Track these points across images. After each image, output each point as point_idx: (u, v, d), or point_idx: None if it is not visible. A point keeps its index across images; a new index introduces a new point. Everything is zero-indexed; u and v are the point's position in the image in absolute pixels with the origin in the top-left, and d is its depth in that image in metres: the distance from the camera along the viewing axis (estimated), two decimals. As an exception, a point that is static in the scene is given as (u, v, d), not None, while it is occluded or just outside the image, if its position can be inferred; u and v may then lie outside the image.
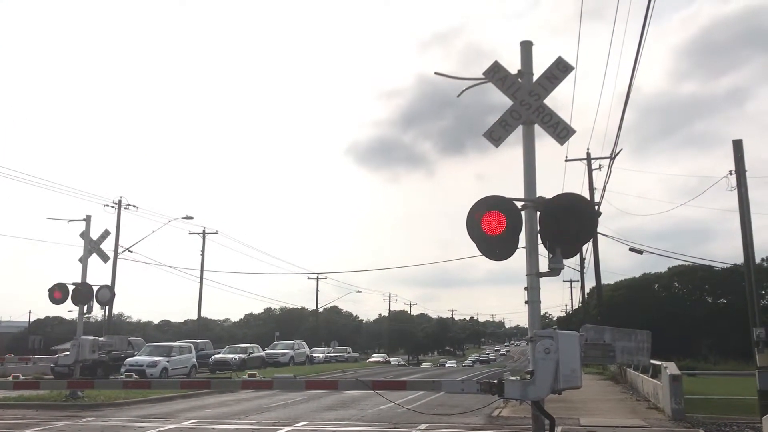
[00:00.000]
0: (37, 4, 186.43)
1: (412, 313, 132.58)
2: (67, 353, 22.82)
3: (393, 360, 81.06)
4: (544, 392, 6.99)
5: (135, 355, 34.53)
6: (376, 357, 78.11)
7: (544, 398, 7.08)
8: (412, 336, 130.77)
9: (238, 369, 40.36)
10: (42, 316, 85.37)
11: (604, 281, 41.75)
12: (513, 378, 7.48)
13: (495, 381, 7.23)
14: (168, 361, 33.88)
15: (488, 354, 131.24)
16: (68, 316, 72.54)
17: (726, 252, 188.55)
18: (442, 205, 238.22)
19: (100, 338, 31.22)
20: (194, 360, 37.21)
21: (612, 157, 31.15)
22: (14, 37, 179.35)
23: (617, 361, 7.19)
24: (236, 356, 42.75)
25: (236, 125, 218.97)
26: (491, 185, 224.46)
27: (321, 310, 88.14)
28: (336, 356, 60.85)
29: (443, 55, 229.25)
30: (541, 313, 7.77)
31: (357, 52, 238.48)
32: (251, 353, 44.79)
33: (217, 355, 43.49)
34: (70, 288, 21.04)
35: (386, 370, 47.74)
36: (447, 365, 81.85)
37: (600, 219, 34.02)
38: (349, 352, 67.37)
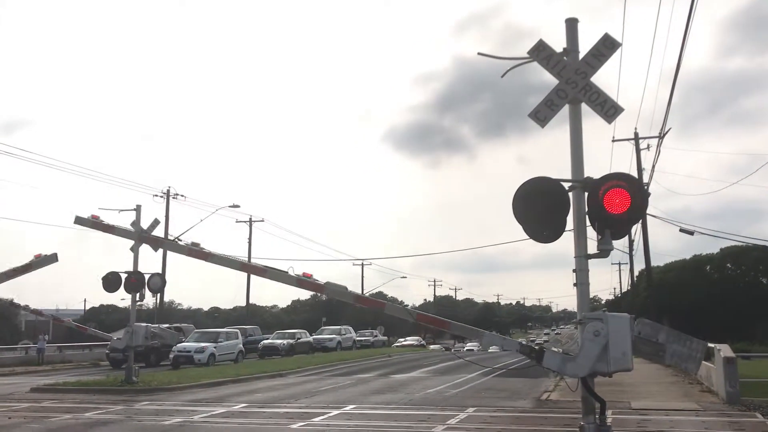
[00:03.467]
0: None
1: (457, 298, 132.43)
2: (119, 338, 23.44)
3: (434, 346, 78.15)
4: (582, 371, 6.93)
5: (183, 341, 35.06)
6: (410, 340, 70.98)
7: (582, 377, 7.01)
8: (458, 320, 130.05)
9: (287, 354, 40.95)
10: (96, 305, 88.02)
11: (653, 263, 41.01)
12: (555, 349, 7.39)
13: (536, 347, 7.19)
14: (215, 347, 34.34)
15: (533, 339, 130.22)
16: (121, 304, 74.62)
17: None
18: (485, 189, 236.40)
19: (152, 326, 32.05)
20: (241, 346, 37.72)
21: (661, 136, 30.45)
22: (64, 31, 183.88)
23: (666, 362, 7.06)
24: (284, 341, 43.26)
25: (278, 115, 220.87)
26: (533, 168, 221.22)
27: (366, 296, 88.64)
28: (361, 340, 55.72)
29: (480, 37, 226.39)
30: (590, 296, 7.66)
31: (391, 37, 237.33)
32: (299, 338, 45.15)
33: (266, 341, 44.04)
34: (123, 276, 21.57)
35: (431, 355, 47.80)
36: (491, 349, 79.70)
37: (649, 199, 33.30)
38: (376, 336, 61.81)
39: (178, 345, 33.49)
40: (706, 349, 7.16)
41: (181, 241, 11.09)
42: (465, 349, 75.66)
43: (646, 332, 7.11)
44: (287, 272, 8.16)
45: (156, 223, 23.76)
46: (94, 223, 9.72)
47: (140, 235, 22.67)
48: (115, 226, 9.61)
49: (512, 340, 7.43)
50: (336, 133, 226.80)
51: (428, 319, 7.90)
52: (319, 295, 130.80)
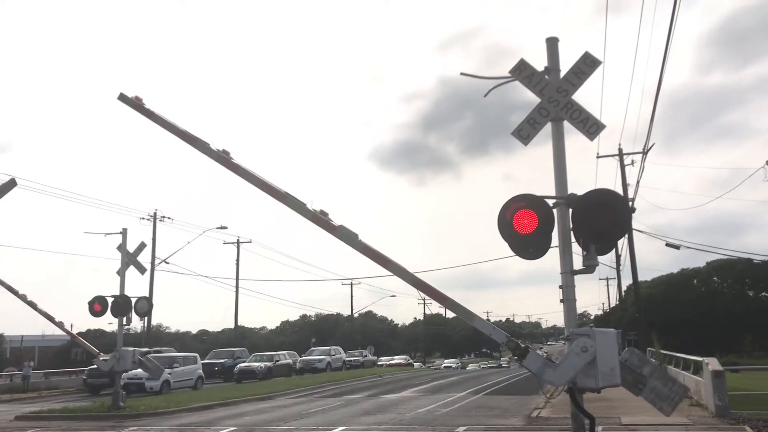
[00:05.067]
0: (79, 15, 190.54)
1: (447, 316, 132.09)
2: (105, 359, 22.67)
3: (417, 364, 78.07)
4: (560, 381, 6.93)
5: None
6: (398, 359, 71.20)
7: (557, 387, 7.02)
8: (449, 339, 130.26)
9: (264, 378, 39.37)
10: (83, 329, 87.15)
11: (640, 278, 41.24)
12: (540, 352, 7.37)
13: (522, 345, 7.15)
14: (170, 373, 31.43)
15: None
16: (109, 329, 73.92)
17: (765, 244, 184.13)
18: (471, 207, 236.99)
19: (141, 350, 30.72)
20: (200, 371, 35.83)
21: (645, 152, 30.76)
22: (41, 51, 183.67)
23: (641, 396, 7.07)
24: (262, 364, 41.69)
25: (264, 134, 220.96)
26: (519, 185, 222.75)
27: (356, 315, 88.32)
28: (351, 361, 54.91)
29: (464, 55, 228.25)
30: (579, 312, 7.68)
31: (376, 56, 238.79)
32: (277, 361, 43.69)
33: (242, 364, 42.17)
34: (110, 300, 21.41)
35: (421, 374, 47.61)
36: (469, 367, 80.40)
37: (634, 215, 33.55)
38: (365, 356, 60.67)
39: (128, 372, 29.62)
40: (686, 394, 7.15)
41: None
42: (443, 366, 75.96)
43: (632, 362, 7.08)
44: (305, 205, 8.12)
45: (143, 246, 23.72)
46: (136, 104, 9.42)
47: (128, 259, 22.65)
48: (155, 113, 9.32)
49: (500, 331, 7.42)
50: (323, 153, 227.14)
51: (427, 288, 7.83)
52: (308, 315, 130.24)
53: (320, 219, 8.09)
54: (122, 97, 9.41)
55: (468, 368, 77.83)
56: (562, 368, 6.89)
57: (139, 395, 28.87)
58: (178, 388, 31.76)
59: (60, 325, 21.38)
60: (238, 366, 41.66)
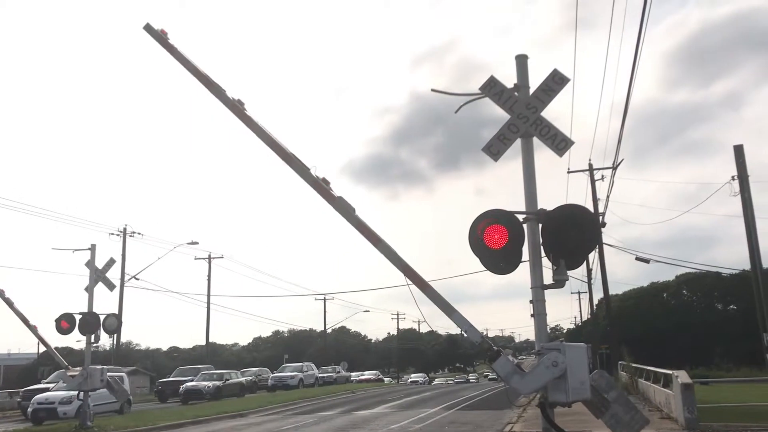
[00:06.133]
0: (44, 30, 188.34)
1: (420, 331, 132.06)
2: (72, 374, 21.53)
3: (387, 379, 77.91)
4: (525, 389, 6.96)
5: (49, 390, 29.12)
6: (367, 374, 70.28)
7: (520, 396, 7.01)
8: (422, 354, 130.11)
9: (213, 398, 36.58)
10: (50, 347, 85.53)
11: (611, 291, 41.65)
12: (512, 358, 7.35)
13: (495, 348, 7.12)
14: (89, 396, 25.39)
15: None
16: (77, 346, 72.50)
17: (733, 257, 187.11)
18: (444, 221, 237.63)
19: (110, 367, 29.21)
20: (128, 392, 30.47)
21: (614, 167, 31.21)
22: (14, 68, 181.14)
23: (601, 418, 7.14)
24: (210, 384, 38.22)
25: (235, 148, 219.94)
26: (490, 200, 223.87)
27: (329, 331, 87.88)
28: (324, 377, 53.99)
29: (436, 71, 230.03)
30: (551, 326, 7.75)
31: (348, 70, 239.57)
32: (228, 380, 40.54)
33: (189, 383, 38.65)
34: (77, 317, 21.04)
35: (395, 390, 47.46)
36: (436, 381, 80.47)
37: (604, 229, 33.98)
38: (339, 372, 58.97)
39: (39, 396, 27.71)
40: (646, 425, 7.25)
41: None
42: (410, 381, 75.84)
43: (600, 384, 7.12)
44: (309, 170, 7.97)
45: (111, 262, 23.40)
46: (161, 38, 9.08)
47: (97, 276, 22.30)
48: (177, 49, 8.98)
49: (476, 329, 7.35)
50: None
51: (413, 274, 7.75)
52: (281, 331, 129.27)
53: (321, 187, 7.96)
54: (148, 28, 9.06)
55: (434, 383, 77.69)
56: (530, 378, 6.92)
57: (50, 422, 25.11)
58: (100, 413, 26.10)
59: (34, 329, 21.07)
60: (183, 385, 38.60)
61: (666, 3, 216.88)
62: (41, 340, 22.57)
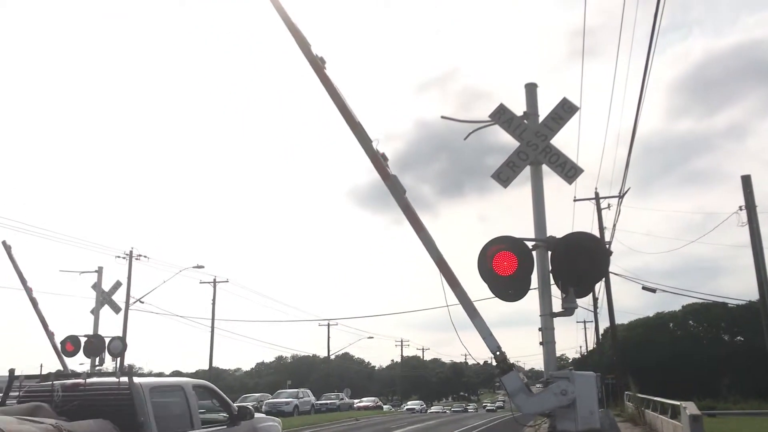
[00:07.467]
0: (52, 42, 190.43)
1: (425, 359, 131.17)
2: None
3: (386, 406, 76.39)
4: (528, 409, 6.85)
5: None
6: (366, 401, 68.23)
7: (529, 420, 6.86)
8: (426, 381, 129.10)
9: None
10: (54, 370, 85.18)
11: (617, 321, 41.34)
12: (522, 376, 7.22)
13: (508, 362, 6.99)
14: None
15: (503, 399, 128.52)
16: (80, 369, 72.46)
17: (740, 288, 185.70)
18: (448, 247, 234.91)
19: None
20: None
21: (621, 196, 31.15)
22: (22, 89, 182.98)
23: None
24: None
25: (243, 173, 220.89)
26: (494, 226, 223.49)
27: (332, 357, 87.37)
28: (327, 404, 52.88)
29: (440, 97, 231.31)
30: (558, 355, 7.67)
31: (353, 96, 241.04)
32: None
33: None
34: (82, 340, 21.00)
35: (398, 417, 47.04)
36: (433, 409, 79.28)
37: (611, 258, 33.87)
38: (342, 399, 57.39)
39: None
40: None
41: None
42: (405, 409, 74.69)
43: (604, 423, 7.08)
44: (372, 142, 7.77)
45: (118, 285, 23.46)
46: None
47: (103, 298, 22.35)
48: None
49: (494, 338, 7.10)
50: (302, 193, 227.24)
51: (446, 268, 7.62)
52: (284, 357, 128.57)
53: (378, 161, 7.78)
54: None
55: (430, 410, 76.57)
56: (536, 399, 6.85)
57: None
58: None
59: (51, 335, 21.02)
60: None
61: (670, 32, 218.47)
62: (56, 349, 22.57)
